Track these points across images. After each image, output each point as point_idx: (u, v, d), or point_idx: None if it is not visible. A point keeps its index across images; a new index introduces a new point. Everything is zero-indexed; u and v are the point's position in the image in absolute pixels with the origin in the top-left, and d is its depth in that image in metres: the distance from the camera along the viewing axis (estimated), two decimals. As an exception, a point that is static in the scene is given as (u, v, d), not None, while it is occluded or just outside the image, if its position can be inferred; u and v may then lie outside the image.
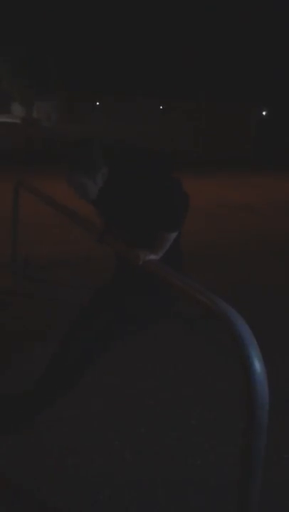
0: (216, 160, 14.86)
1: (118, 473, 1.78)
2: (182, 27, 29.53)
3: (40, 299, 3.40)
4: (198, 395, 2.30)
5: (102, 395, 2.26)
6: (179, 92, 24.29)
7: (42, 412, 2.05)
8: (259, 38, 28.31)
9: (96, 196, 1.99)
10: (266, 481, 1.38)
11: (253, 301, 3.46)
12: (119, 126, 18.49)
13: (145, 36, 28.84)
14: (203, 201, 7.37)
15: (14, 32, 27.77)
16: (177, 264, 1.98)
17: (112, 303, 2.13)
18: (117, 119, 20.96)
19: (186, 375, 2.47)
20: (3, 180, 6.30)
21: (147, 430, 2.02)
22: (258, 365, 1.20)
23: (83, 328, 2.09)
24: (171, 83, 27.43)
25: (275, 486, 1.75)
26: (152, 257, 1.86)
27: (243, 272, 4.30)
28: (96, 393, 2.26)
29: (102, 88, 27.49)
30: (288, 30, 28.02)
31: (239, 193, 9.09)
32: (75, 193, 1.99)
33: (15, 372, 2.40)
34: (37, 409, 2.05)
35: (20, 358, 2.53)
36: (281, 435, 2.02)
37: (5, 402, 2.13)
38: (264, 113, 20.84)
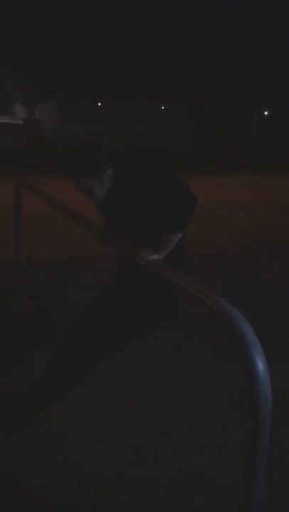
0: (216, 160, 14.85)
1: (120, 474, 1.78)
2: (183, 27, 29.53)
3: (41, 299, 3.40)
4: (200, 395, 2.30)
5: (103, 395, 2.26)
6: (179, 93, 24.30)
7: (40, 412, 2.04)
8: (261, 38, 28.29)
9: (103, 198, 1.99)
10: (268, 482, 1.38)
11: (253, 301, 3.45)
12: (120, 127, 18.48)
13: (146, 37, 28.85)
14: (203, 201, 7.34)
15: (16, 33, 27.82)
16: (181, 264, 1.97)
17: (113, 304, 2.13)
18: (118, 119, 20.96)
19: (188, 375, 2.47)
20: (5, 180, 6.31)
21: (149, 430, 2.02)
22: (261, 366, 1.20)
23: (84, 328, 2.09)
24: (172, 83, 27.43)
25: (277, 487, 1.75)
26: (155, 256, 1.86)
27: (244, 271, 4.30)
28: (97, 393, 2.26)
29: (103, 89, 27.50)
30: (289, 30, 28.01)
31: (239, 193, 9.08)
32: (84, 196, 2.00)
33: (15, 371, 2.40)
34: (35, 409, 2.05)
35: (21, 358, 2.53)
36: (283, 435, 2.02)
37: (4, 402, 2.13)
38: (266, 113, 20.82)
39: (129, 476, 1.77)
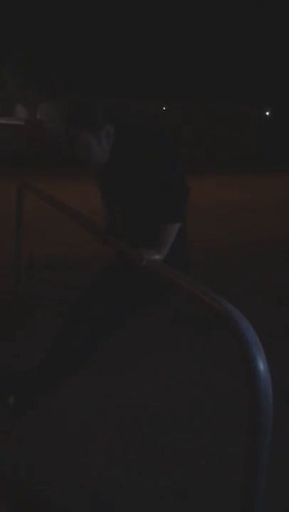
0: (216, 160, 14.85)
1: (122, 474, 1.78)
2: (184, 27, 29.53)
3: (42, 299, 3.40)
4: (202, 396, 2.30)
5: (104, 395, 2.26)
6: (180, 93, 24.30)
7: (43, 393, 2.03)
8: (262, 38, 28.28)
9: (102, 161, 1.84)
10: (270, 482, 1.38)
11: (254, 301, 3.45)
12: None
13: (146, 37, 28.86)
14: (203, 201, 7.37)
15: (16, 34, 27.86)
16: (183, 262, 1.96)
17: (114, 280, 2.10)
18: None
19: (189, 375, 2.47)
20: (6, 181, 6.31)
21: (151, 431, 2.02)
22: (262, 366, 1.20)
23: (90, 300, 2.05)
24: (173, 84, 27.43)
25: (278, 487, 1.75)
26: (156, 256, 1.85)
27: (244, 271, 4.30)
28: (99, 394, 2.26)
29: (103, 89, 27.51)
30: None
31: (240, 193, 9.08)
32: (79, 161, 1.84)
33: (15, 372, 2.40)
34: (38, 390, 2.04)
35: (22, 359, 2.53)
36: (285, 435, 2.02)
37: (12, 382, 2.12)
38: (267, 113, 20.81)
39: (130, 476, 1.77)
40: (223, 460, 1.88)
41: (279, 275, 4.24)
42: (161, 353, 2.68)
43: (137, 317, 2.17)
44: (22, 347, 2.68)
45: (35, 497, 1.68)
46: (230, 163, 14.46)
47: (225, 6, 29.13)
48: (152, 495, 1.70)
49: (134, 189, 1.86)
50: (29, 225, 3.95)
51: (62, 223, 4.30)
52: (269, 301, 3.55)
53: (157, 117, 19.45)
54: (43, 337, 2.75)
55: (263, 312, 3.27)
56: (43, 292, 3.54)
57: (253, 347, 1.22)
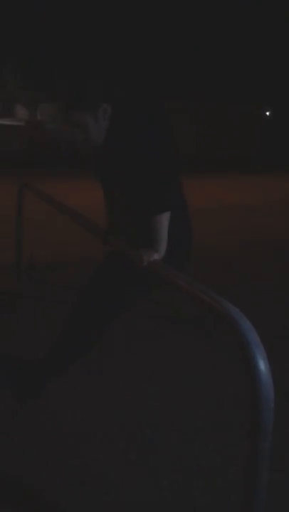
0: (216, 160, 14.86)
1: (122, 475, 1.78)
2: (184, 27, 29.56)
3: (43, 300, 3.40)
4: (203, 396, 2.29)
5: (105, 396, 2.26)
6: (180, 93, 24.30)
7: (55, 376, 2.03)
8: (262, 38, 28.29)
9: (99, 144, 1.80)
10: (271, 482, 1.37)
11: (254, 301, 3.45)
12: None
13: (147, 37, 28.89)
14: (203, 201, 7.38)
15: (17, 34, 27.89)
16: (182, 257, 1.94)
17: (115, 263, 2.06)
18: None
19: (190, 376, 2.47)
20: (7, 182, 6.32)
21: (152, 431, 2.02)
22: (263, 365, 1.20)
23: (94, 287, 2.02)
24: (173, 84, 27.44)
25: (280, 487, 1.74)
26: (156, 256, 1.84)
27: (244, 271, 4.30)
28: (100, 394, 2.26)
29: (104, 90, 27.51)
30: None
31: (240, 193, 9.09)
32: (76, 138, 1.81)
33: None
34: (50, 373, 2.03)
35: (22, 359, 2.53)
36: (286, 435, 2.01)
37: (19, 368, 2.11)
38: (267, 113, 20.82)
39: (131, 477, 1.77)
40: (224, 460, 1.87)
41: (279, 275, 4.24)
42: (161, 353, 2.68)
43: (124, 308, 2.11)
44: (22, 347, 2.67)
45: (35, 497, 1.68)
46: (230, 163, 14.46)
47: (225, 6, 29.16)
48: (153, 495, 1.69)
49: (127, 173, 1.80)
50: (29, 225, 3.95)
51: (63, 223, 4.31)
52: (269, 301, 3.55)
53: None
54: (43, 337, 2.75)
55: (263, 312, 3.27)
56: (43, 292, 3.54)
57: (253, 347, 1.22)
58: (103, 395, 2.26)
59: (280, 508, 1.66)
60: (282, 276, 4.22)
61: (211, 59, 28.47)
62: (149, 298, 3.06)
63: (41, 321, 3.03)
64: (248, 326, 1.27)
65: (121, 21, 29.25)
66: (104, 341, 2.10)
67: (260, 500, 1.28)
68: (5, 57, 28.51)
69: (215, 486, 1.75)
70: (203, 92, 24.54)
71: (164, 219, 1.78)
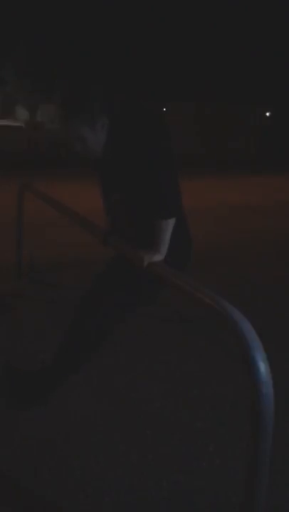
0: (217, 160, 14.86)
1: (123, 476, 1.78)
2: (184, 28, 29.58)
3: (43, 301, 3.41)
4: (203, 397, 2.29)
5: (106, 397, 2.26)
6: (180, 93, 24.31)
7: (64, 380, 2.04)
8: (262, 39, 28.31)
9: (99, 152, 1.85)
10: (271, 483, 1.37)
11: (254, 302, 3.46)
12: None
13: (147, 38, 28.91)
14: (204, 201, 7.38)
15: (17, 35, 27.92)
16: (183, 259, 1.95)
17: (118, 269, 2.07)
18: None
19: (191, 377, 2.47)
20: (7, 183, 6.32)
21: (152, 432, 2.02)
22: (262, 366, 1.20)
23: (95, 293, 2.03)
24: (173, 85, 27.45)
25: (280, 488, 1.75)
26: (156, 257, 1.84)
27: (244, 271, 4.30)
28: (100, 396, 2.26)
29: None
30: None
31: (240, 193, 9.10)
32: (75, 148, 1.86)
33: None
34: (54, 382, 2.05)
35: (22, 360, 2.54)
36: (286, 436, 2.02)
37: (22, 377, 2.13)
38: (267, 114, 20.83)
39: (132, 478, 1.77)
40: (224, 462, 1.87)
41: (279, 275, 4.24)
42: (161, 354, 2.68)
43: (127, 313, 2.12)
44: (22, 347, 2.68)
45: (36, 497, 1.68)
46: (230, 163, 14.46)
47: (225, 5, 29.18)
48: (154, 496, 1.69)
49: (128, 176, 1.83)
50: (29, 225, 3.95)
51: (63, 224, 4.31)
52: (269, 302, 3.55)
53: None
54: (43, 337, 2.76)
55: (263, 312, 3.27)
56: (43, 293, 3.54)
57: (253, 348, 1.22)
58: (103, 396, 2.26)
59: (280, 509, 1.66)
60: (283, 276, 4.22)
61: (212, 60, 28.48)
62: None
63: (41, 321, 3.03)
64: (248, 326, 1.27)
65: (122, 22, 29.27)
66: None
67: (260, 501, 1.28)
68: (5, 58, 28.53)
69: (216, 487, 1.75)
70: (203, 92, 24.56)
71: (170, 224, 1.81)
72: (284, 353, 2.73)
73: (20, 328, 2.95)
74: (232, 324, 1.29)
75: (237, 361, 1.27)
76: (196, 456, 1.90)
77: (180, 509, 1.65)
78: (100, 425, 2.06)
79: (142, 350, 2.68)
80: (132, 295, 2.00)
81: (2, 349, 2.68)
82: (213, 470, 1.83)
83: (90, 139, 1.81)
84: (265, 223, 6.59)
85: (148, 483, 1.75)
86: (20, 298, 3.43)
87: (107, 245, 2.15)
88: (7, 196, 4.97)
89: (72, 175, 8.91)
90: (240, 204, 7.88)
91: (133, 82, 27.25)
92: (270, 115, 21.11)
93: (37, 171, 10.02)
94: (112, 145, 1.81)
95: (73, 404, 2.16)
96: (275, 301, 3.58)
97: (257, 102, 21.85)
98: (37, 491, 1.70)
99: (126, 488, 1.72)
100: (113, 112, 1.79)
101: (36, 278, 3.83)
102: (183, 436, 2.01)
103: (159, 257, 1.83)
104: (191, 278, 1.60)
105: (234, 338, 1.27)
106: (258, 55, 28.23)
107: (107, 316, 1.99)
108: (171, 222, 1.81)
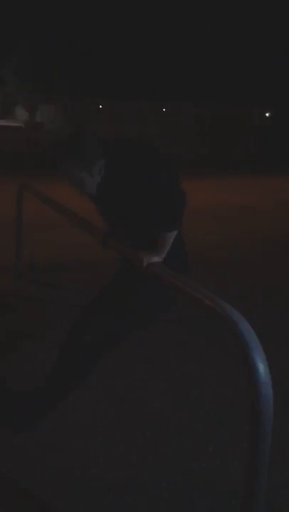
0: (217, 160, 14.87)
1: (123, 476, 1.78)
2: (184, 28, 29.57)
3: (43, 301, 3.40)
4: (203, 398, 2.29)
5: (106, 398, 2.26)
6: (180, 94, 24.30)
7: (55, 406, 2.05)
8: (262, 39, 28.30)
9: (96, 191, 1.95)
10: (271, 483, 1.38)
11: (254, 302, 3.46)
12: (122, 128, 18.54)
13: (147, 38, 28.90)
14: (204, 202, 7.38)
15: (17, 35, 27.92)
16: (182, 264, 1.97)
17: (117, 292, 2.12)
18: (120, 121, 21.04)
19: (191, 378, 2.47)
20: (7, 183, 6.32)
21: (152, 433, 2.02)
22: (261, 366, 1.20)
23: (91, 318, 2.07)
24: (173, 85, 27.45)
25: (279, 488, 1.75)
26: (155, 259, 1.86)
27: (244, 271, 4.30)
28: (100, 396, 2.26)
29: (104, 90, 27.54)
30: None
31: (240, 194, 9.09)
32: (74, 188, 1.96)
33: (16, 373, 2.40)
34: (50, 403, 2.06)
35: (22, 360, 2.54)
36: (286, 436, 2.02)
37: (16, 400, 2.14)
38: (267, 114, 20.83)
39: (132, 478, 1.77)
40: (224, 462, 1.87)
41: (279, 275, 4.24)
42: (161, 355, 2.68)
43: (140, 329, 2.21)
44: (22, 347, 2.68)
45: (36, 497, 1.68)
46: (230, 163, 14.47)
47: (225, 6, 29.17)
48: (153, 497, 1.69)
49: (129, 206, 1.93)
50: (29, 226, 3.95)
51: (63, 225, 4.31)
52: (269, 302, 3.55)
53: (158, 118, 19.48)
54: (43, 337, 2.76)
55: (263, 312, 3.27)
56: (42, 293, 3.54)
57: (253, 348, 1.22)
58: (103, 396, 2.26)
59: (280, 509, 1.66)
60: (283, 276, 4.22)
61: (212, 60, 28.48)
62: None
63: (41, 321, 3.03)
64: (247, 327, 1.27)
65: (122, 22, 29.26)
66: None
67: (259, 501, 1.28)
68: (5, 59, 28.53)
69: (216, 487, 1.75)
70: (203, 92, 24.56)
71: (173, 235, 1.91)
72: (284, 353, 2.73)
73: (18, 328, 2.95)
74: (231, 325, 1.29)
75: (237, 361, 1.27)
76: (196, 457, 1.90)
77: (180, 509, 1.65)
78: (100, 425, 2.06)
79: (142, 351, 2.67)
80: (130, 326, 2.10)
81: (2, 349, 2.68)
82: (213, 470, 1.83)
83: (87, 183, 1.92)
84: (265, 223, 6.59)
85: (147, 483, 1.75)
86: (20, 298, 3.43)
87: (106, 246, 2.16)
88: (6, 196, 4.96)
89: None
90: (240, 204, 7.87)
91: (133, 82, 27.24)
92: (270, 115, 21.10)
93: (36, 171, 10.01)
94: (110, 179, 1.91)
95: (73, 405, 2.16)
96: (275, 301, 3.58)
97: (257, 102, 21.85)
98: (36, 491, 1.70)
99: (126, 488, 1.72)
100: (108, 154, 1.88)
101: (36, 278, 3.83)
102: (183, 437, 2.01)
103: (158, 259, 1.86)
104: (191, 278, 1.60)
105: (233, 337, 1.27)
106: (258, 56, 28.23)
107: (100, 345, 2.05)
108: (174, 233, 1.91)
